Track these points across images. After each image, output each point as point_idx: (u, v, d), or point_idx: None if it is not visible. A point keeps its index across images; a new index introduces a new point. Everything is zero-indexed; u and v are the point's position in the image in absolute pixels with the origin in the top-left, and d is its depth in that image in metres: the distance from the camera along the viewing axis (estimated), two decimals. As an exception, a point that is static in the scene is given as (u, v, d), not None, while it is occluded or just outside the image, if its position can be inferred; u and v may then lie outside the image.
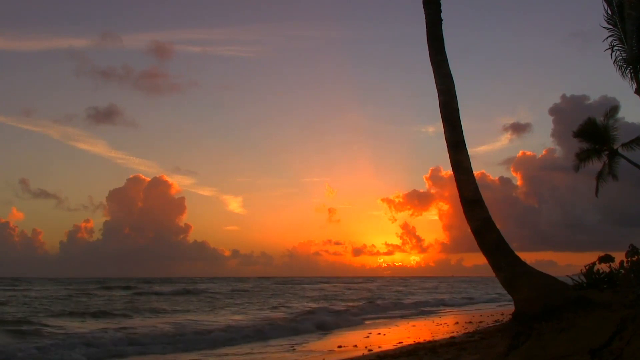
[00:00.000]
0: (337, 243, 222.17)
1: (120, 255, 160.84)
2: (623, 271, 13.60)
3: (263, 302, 42.75)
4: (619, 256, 14.01)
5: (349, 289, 69.10)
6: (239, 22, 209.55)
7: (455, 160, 13.51)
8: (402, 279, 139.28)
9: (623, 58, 14.51)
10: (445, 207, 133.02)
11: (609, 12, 14.60)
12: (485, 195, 13.61)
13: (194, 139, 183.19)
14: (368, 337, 20.10)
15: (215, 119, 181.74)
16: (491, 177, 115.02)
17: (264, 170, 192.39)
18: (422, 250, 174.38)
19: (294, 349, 17.54)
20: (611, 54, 14.79)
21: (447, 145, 13.70)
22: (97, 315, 29.51)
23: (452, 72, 13.92)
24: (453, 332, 18.93)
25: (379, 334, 21.31)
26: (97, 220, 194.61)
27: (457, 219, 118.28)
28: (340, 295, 55.67)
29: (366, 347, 16.43)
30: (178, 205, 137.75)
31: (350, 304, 39.80)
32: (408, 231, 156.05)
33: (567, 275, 14.98)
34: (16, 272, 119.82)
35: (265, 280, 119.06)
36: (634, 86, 14.41)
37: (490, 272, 13.44)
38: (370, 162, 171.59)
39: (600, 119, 20.55)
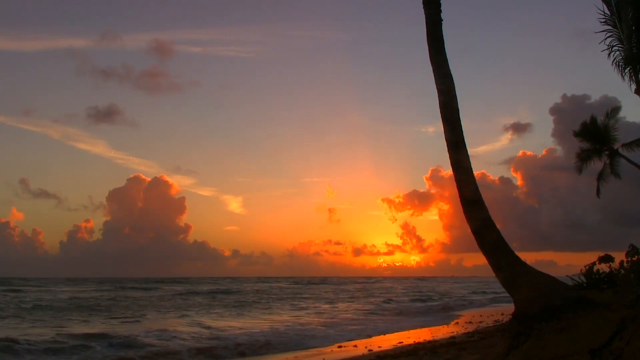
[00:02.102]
0: (338, 243, 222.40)
1: (120, 255, 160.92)
2: (623, 271, 13.60)
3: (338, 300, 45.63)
4: (619, 256, 14.00)
5: (381, 289, 69.19)
6: (240, 22, 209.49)
7: (455, 160, 13.50)
8: (419, 279, 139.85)
9: (622, 58, 14.47)
10: (445, 207, 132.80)
11: (608, 12, 14.58)
12: (485, 195, 13.61)
13: (194, 138, 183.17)
14: (368, 337, 20.13)
15: (216, 118, 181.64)
16: (491, 177, 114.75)
17: (264, 170, 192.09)
18: (423, 250, 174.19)
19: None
20: (609, 54, 14.78)
21: (447, 145, 13.69)
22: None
23: (452, 72, 13.93)
24: (453, 332, 18.94)
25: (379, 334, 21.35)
26: (97, 220, 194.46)
27: (457, 219, 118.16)
28: (385, 294, 56.80)
29: (366, 347, 16.44)
30: (178, 205, 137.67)
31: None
32: (408, 231, 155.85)
33: (567, 275, 14.98)
34: (16, 272, 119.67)
35: (276, 280, 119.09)
36: (634, 86, 14.39)
37: (490, 272, 13.44)
38: (370, 162, 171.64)
39: (601, 118, 20.53)
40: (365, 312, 32.55)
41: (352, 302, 42.85)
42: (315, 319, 27.55)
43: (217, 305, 38.44)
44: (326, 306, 37.92)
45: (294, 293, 59.20)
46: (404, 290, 64.41)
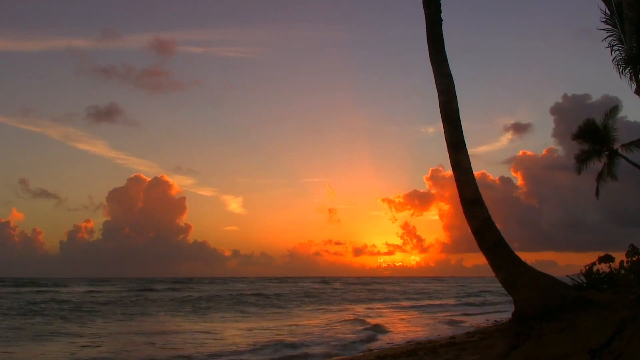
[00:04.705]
0: (338, 243, 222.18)
1: (120, 255, 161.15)
2: (623, 271, 13.60)
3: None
4: (620, 256, 14.00)
5: (426, 291, 69.55)
6: (240, 22, 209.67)
7: (455, 160, 13.49)
8: (437, 279, 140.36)
9: (622, 58, 14.45)
10: (445, 207, 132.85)
11: (608, 12, 14.56)
12: (486, 195, 13.58)
13: (195, 138, 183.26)
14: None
15: (216, 118, 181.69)
16: (491, 177, 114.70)
17: (264, 170, 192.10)
18: (423, 250, 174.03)
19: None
20: (611, 54, 14.77)
21: (447, 146, 13.68)
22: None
23: (452, 72, 13.91)
24: (453, 332, 18.94)
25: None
26: (97, 220, 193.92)
27: (458, 219, 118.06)
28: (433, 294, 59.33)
29: (366, 347, 16.45)
30: (178, 205, 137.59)
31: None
32: (408, 231, 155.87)
33: (567, 276, 14.97)
34: (16, 272, 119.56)
35: (287, 280, 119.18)
36: (634, 86, 14.37)
37: (490, 272, 13.44)
38: (371, 162, 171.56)
39: (600, 119, 20.48)
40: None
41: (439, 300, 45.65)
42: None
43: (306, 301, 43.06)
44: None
45: (357, 292, 61.93)
46: (460, 292, 64.86)
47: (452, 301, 44.52)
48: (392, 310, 35.11)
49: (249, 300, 44.25)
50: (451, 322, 25.29)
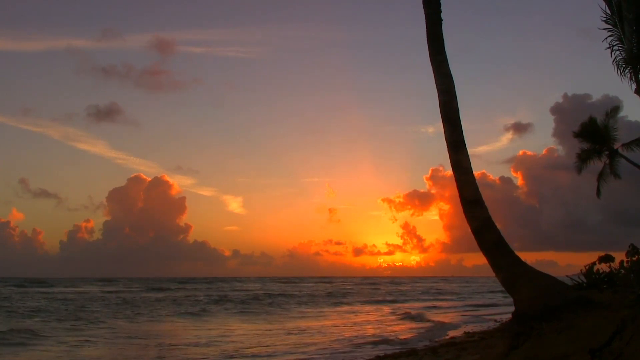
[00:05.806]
0: (338, 243, 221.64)
1: (120, 255, 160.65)
2: (623, 271, 13.60)
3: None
4: (620, 256, 14.00)
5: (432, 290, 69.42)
6: (241, 23, 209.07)
7: (455, 160, 13.51)
8: (441, 279, 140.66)
9: (622, 58, 14.44)
10: (445, 207, 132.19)
11: (608, 11, 14.55)
12: (486, 195, 13.62)
13: (195, 138, 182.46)
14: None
15: (216, 118, 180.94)
16: (492, 177, 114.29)
17: (264, 170, 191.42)
18: (423, 250, 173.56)
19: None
20: (611, 54, 14.76)
21: (447, 146, 13.70)
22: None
23: (452, 72, 13.93)
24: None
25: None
26: (97, 220, 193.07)
27: (458, 219, 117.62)
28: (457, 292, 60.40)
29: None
30: (178, 205, 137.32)
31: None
32: (409, 231, 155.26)
33: (567, 276, 14.96)
34: (16, 272, 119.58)
35: (300, 280, 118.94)
36: (634, 86, 14.36)
37: (490, 272, 13.45)
38: (371, 162, 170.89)
39: (601, 118, 20.47)
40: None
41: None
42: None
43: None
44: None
45: (371, 291, 62.51)
46: (475, 291, 65.02)
47: (484, 300, 44.72)
48: (431, 308, 35.52)
49: (275, 300, 43.83)
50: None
